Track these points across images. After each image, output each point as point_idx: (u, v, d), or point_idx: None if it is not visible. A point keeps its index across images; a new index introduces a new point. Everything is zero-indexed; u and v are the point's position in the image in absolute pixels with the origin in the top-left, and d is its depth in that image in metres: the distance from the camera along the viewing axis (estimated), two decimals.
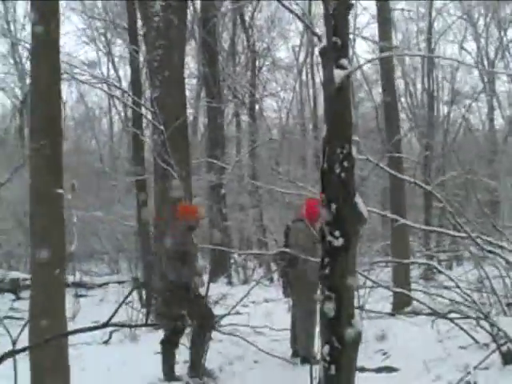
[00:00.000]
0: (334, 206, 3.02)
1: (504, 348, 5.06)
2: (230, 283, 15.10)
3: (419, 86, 21.61)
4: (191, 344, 6.43)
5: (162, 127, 7.51)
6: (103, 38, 23.04)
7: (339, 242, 3.00)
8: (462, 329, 6.11)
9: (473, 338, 5.97)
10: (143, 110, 9.81)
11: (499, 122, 23.93)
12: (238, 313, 9.91)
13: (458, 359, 5.60)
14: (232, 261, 16.13)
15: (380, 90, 13.65)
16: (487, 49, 22.80)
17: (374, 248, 13.95)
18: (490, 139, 22.09)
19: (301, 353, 7.07)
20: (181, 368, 6.56)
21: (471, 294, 8.45)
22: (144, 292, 10.20)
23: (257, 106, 23.21)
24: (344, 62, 3.09)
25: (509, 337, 5.02)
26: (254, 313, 10.16)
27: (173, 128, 7.72)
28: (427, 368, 5.56)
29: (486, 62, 22.01)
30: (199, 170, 16.45)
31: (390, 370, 6.14)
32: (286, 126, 25.28)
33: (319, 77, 26.10)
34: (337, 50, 3.11)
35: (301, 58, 25.96)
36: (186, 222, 6.53)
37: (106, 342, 8.17)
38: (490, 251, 6.74)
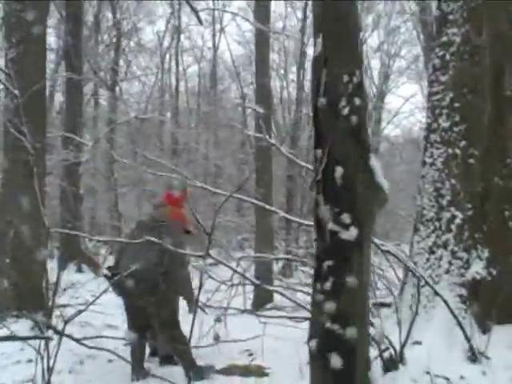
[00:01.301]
0: (339, 172, 1.89)
1: (386, 354, 4.79)
2: (80, 270, 14.18)
3: None
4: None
5: (16, 91, 6.60)
6: None
7: (351, 234, 1.97)
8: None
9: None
10: None
11: None
12: (87, 303, 9.24)
13: None
14: (83, 247, 15.18)
15: None
16: None
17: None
18: None
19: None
20: None
21: None
22: None
23: (117, 88, 22.45)
24: None
25: (390, 341, 4.77)
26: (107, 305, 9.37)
27: (30, 93, 6.82)
28: (301, 372, 5.17)
29: None
30: (53, 148, 15.33)
31: (260, 373, 5.74)
32: (145, 111, 24.60)
33: (182, 65, 25.98)
34: None
35: (166, 44, 25.44)
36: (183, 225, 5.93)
37: None
38: None
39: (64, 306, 7.95)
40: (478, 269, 5.48)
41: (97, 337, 4.57)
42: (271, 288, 7.29)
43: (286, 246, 13.22)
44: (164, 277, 5.47)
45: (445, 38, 5.88)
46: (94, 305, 9.21)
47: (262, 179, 10.07)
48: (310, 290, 7.76)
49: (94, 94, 21.92)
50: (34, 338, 4.59)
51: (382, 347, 4.82)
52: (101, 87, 22.13)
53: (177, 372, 5.81)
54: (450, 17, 5.84)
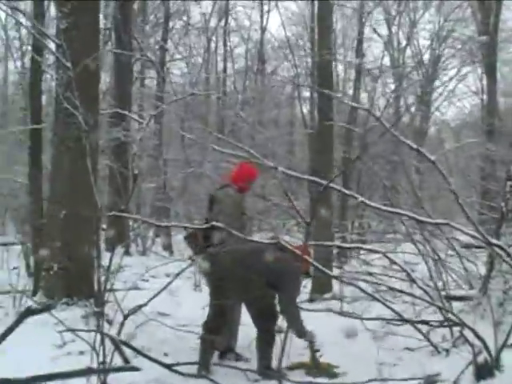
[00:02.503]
0: None
1: (480, 358, 4.20)
2: (127, 253, 13.90)
3: None
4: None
5: (68, 64, 6.17)
6: None
7: None
8: (415, 327, 5.27)
9: (426, 337, 5.15)
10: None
11: None
12: (137, 288, 8.90)
13: (411, 366, 4.71)
14: (131, 229, 14.90)
15: None
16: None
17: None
18: None
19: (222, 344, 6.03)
20: None
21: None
22: (32, 259, 8.79)
23: (165, 68, 22.10)
24: None
25: (485, 342, 4.19)
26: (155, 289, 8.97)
27: (83, 65, 6.37)
28: (380, 374, 4.65)
29: None
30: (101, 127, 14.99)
31: (332, 374, 5.23)
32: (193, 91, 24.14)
33: (229, 45, 25.51)
34: None
35: (212, 24, 24.97)
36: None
37: None
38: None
39: (113, 290, 7.60)
40: None
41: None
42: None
43: (341, 233, 12.65)
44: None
45: None
46: (142, 289, 9.02)
47: (321, 161, 9.53)
48: (373, 279, 7.24)
49: (141, 73, 21.57)
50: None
51: (476, 350, 4.24)
52: (148, 67, 21.78)
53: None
54: None
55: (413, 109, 22.31)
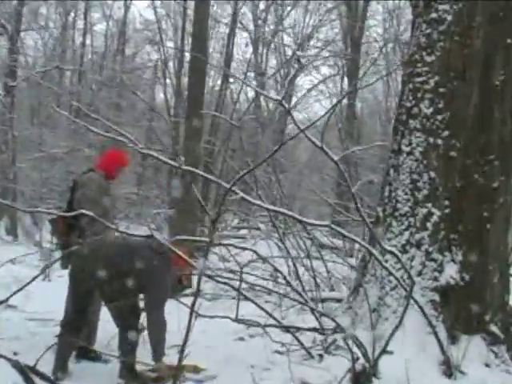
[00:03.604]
0: None
1: (358, 365, 4.11)
2: None
3: None
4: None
5: None
6: None
7: None
8: (288, 331, 5.11)
9: (299, 341, 5.00)
10: None
11: None
12: None
13: (284, 370, 4.55)
14: None
15: None
16: None
17: None
18: None
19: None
20: None
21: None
22: None
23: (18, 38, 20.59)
24: None
25: (365, 348, 4.12)
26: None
27: None
28: (254, 381, 4.43)
29: None
30: None
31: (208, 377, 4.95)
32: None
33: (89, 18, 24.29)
34: None
35: None
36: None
37: None
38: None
39: None
40: (451, 273, 4.98)
41: None
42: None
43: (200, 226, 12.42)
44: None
45: (434, 15, 5.28)
46: None
47: (189, 148, 9.31)
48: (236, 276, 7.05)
49: None
50: None
51: (355, 357, 4.17)
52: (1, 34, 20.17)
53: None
54: None
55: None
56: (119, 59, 23.26)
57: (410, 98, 5.32)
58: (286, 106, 3.66)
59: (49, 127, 18.06)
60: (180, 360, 4.87)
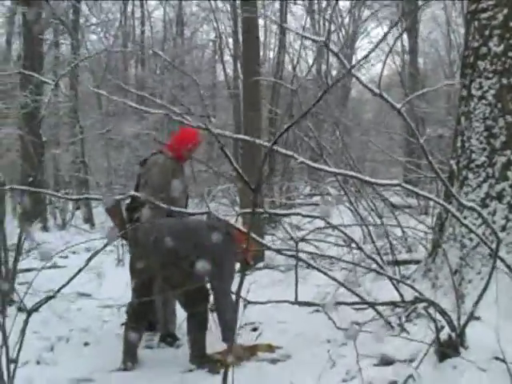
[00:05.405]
0: None
1: (443, 335, 3.75)
2: (45, 228, 12.96)
3: None
4: None
5: None
6: None
7: None
8: (368, 303, 4.77)
9: (378, 312, 4.67)
10: None
11: None
12: (55, 266, 8.22)
13: (361, 345, 4.22)
14: (47, 202, 13.92)
15: None
16: None
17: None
18: None
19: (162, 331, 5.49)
20: None
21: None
22: None
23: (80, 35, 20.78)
24: None
25: (449, 317, 3.73)
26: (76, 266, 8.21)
27: None
28: (330, 358, 4.14)
29: None
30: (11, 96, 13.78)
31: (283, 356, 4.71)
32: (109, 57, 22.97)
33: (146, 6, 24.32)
34: None
35: None
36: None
37: None
38: None
39: (28, 270, 6.87)
40: None
41: None
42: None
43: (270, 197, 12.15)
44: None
45: None
46: (61, 267, 8.28)
47: (249, 119, 9.03)
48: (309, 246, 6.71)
49: (55, 43, 20.21)
50: None
51: (439, 326, 3.78)
52: (62, 34, 20.40)
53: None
54: None
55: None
56: (179, 42, 23.26)
57: (477, 36, 4.80)
58: (331, 48, 3.26)
59: (115, 116, 18.20)
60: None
